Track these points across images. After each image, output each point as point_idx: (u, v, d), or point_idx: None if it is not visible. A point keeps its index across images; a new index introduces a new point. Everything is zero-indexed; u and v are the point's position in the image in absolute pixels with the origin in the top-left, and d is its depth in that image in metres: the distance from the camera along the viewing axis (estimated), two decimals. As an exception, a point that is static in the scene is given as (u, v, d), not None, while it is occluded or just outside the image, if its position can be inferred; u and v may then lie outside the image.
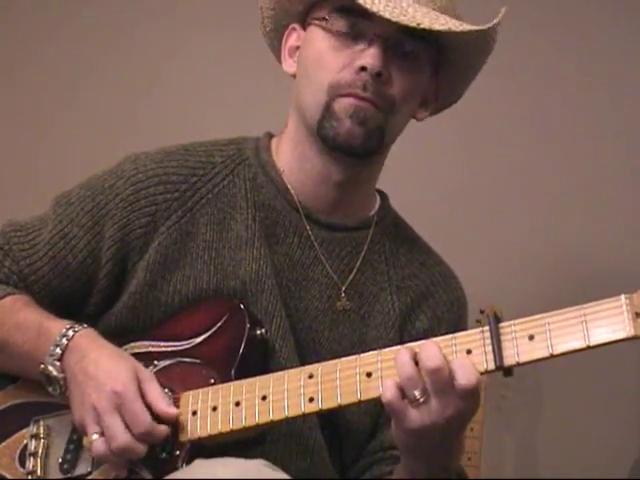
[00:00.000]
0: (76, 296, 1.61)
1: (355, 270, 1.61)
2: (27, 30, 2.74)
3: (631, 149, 2.56)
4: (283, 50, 1.62)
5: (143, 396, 1.42)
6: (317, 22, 1.55)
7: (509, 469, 2.60)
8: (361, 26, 1.50)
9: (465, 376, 1.26)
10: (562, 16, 2.60)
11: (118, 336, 1.54)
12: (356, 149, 1.53)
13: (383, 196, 1.70)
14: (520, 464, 2.62)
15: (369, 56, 1.49)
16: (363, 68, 1.49)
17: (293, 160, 1.61)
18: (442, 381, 1.27)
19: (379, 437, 1.59)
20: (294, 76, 1.61)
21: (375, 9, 1.45)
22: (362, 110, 1.51)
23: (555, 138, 2.60)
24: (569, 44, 2.59)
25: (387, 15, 1.45)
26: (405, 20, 1.45)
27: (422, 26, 1.46)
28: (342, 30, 1.52)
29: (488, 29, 1.53)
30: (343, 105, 1.51)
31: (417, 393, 1.28)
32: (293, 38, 1.61)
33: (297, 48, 1.60)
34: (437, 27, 1.46)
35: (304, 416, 1.40)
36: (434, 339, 1.32)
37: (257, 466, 1.34)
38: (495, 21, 1.52)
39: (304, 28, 1.59)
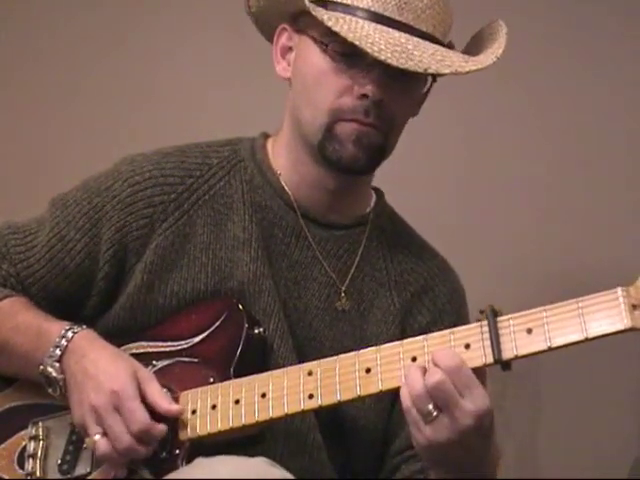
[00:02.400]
0: (74, 298, 1.61)
1: (353, 268, 1.62)
2: (26, 32, 2.75)
3: (629, 148, 2.56)
4: (275, 50, 1.60)
5: (144, 396, 1.42)
6: (313, 40, 1.53)
7: (509, 470, 2.59)
8: (360, 49, 1.46)
9: (445, 355, 1.28)
10: (564, 17, 2.61)
11: (116, 337, 1.54)
12: (358, 170, 1.56)
13: (379, 193, 1.70)
14: (520, 464, 2.62)
15: (370, 84, 1.49)
16: (365, 95, 1.49)
17: (288, 163, 1.62)
18: (448, 394, 1.27)
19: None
20: (288, 80, 1.60)
21: (383, 56, 1.44)
22: (365, 135, 1.51)
23: (554, 136, 2.60)
24: (572, 46, 2.59)
25: (395, 63, 1.44)
26: (412, 65, 1.45)
27: (429, 71, 1.47)
28: (340, 51, 1.50)
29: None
30: (345, 130, 1.51)
31: (430, 407, 1.28)
32: (284, 38, 1.59)
33: (289, 49, 1.58)
34: (444, 70, 1.47)
35: (304, 413, 1.40)
36: (434, 334, 1.33)
37: (259, 464, 1.34)
38: (501, 50, 1.52)
39: (294, 28, 1.57)
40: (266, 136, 1.67)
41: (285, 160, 1.62)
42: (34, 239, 1.61)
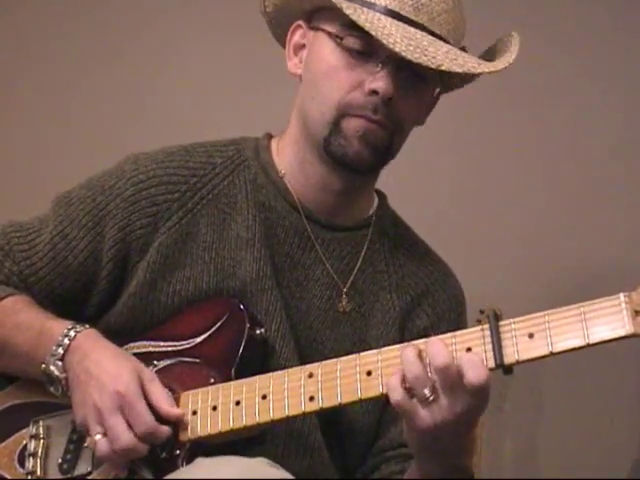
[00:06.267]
0: (76, 297, 1.61)
1: (355, 270, 1.62)
2: (30, 30, 2.75)
3: (629, 150, 2.57)
4: (288, 47, 1.60)
5: (146, 396, 1.42)
6: (327, 35, 1.53)
7: (509, 470, 2.60)
8: (374, 45, 1.48)
9: (475, 374, 1.26)
10: (561, 20, 2.61)
11: (118, 336, 1.54)
12: (363, 169, 1.56)
13: (381, 196, 1.70)
14: (520, 464, 2.62)
15: (381, 80, 1.49)
16: (375, 91, 1.49)
17: (294, 163, 1.61)
18: (451, 378, 1.27)
19: (387, 435, 1.59)
20: (299, 77, 1.60)
21: (398, 49, 1.44)
22: (371, 133, 1.51)
23: (555, 139, 2.60)
24: (570, 48, 2.60)
25: (409, 56, 1.44)
26: (426, 61, 1.45)
27: (442, 68, 1.47)
28: (354, 47, 1.51)
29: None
30: (353, 125, 1.51)
31: (427, 392, 1.28)
32: (298, 35, 1.59)
33: (303, 46, 1.59)
34: (456, 69, 1.47)
35: (304, 415, 1.40)
36: (437, 337, 1.32)
37: (260, 464, 1.34)
38: (513, 56, 1.53)
39: (309, 25, 1.58)
40: (270, 136, 1.67)
41: (291, 160, 1.62)
42: (37, 237, 1.61)
